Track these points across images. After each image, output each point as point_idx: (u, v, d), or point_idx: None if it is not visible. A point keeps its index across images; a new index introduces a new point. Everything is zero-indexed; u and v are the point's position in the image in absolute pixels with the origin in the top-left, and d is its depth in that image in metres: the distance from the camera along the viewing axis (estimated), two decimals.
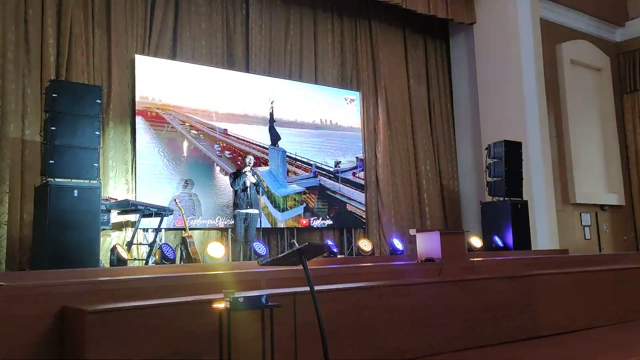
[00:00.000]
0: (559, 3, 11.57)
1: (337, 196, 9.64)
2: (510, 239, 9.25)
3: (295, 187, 9.20)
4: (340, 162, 9.86)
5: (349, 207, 9.76)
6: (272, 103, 9.06)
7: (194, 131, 8.36)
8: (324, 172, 9.61)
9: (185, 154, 8.26)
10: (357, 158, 10.12)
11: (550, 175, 10.64)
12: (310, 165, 9.47)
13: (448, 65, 11.76)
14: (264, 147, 8.98)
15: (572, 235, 11.10)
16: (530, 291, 6.25)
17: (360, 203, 9.90)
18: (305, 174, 9.40)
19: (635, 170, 12.49)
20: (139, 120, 7.87)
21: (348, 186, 9.84)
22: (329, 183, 9.61)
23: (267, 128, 9.09)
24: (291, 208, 9.03)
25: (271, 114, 9.09)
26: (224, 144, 8.61)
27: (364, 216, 9.92)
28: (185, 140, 8.27)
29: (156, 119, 8.02)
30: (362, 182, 10.06)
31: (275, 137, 9.09)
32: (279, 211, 8.89)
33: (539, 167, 10.37)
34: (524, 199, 9.69)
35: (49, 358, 4.00)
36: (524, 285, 6.23)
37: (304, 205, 9.24)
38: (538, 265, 7.39)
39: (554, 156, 11.05)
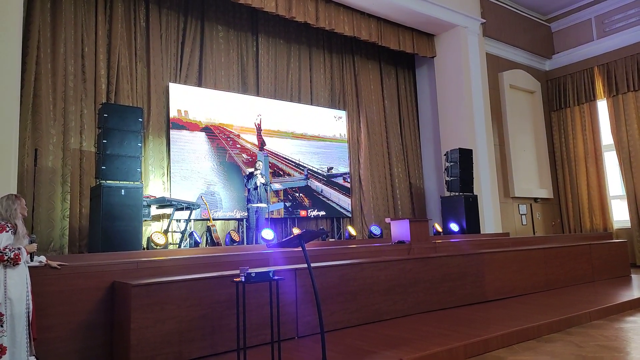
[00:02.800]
0: (501, 40, 11.61)
1: (323, 194, 9.54)
2: (464, 225, 9.30)
3: (278, 186, 8.93)
4: (332, 167, 9.83)
5: (338, 202, 9.71)
6: (259, 116, 8.87)
7: (227, 141, 8.36)
8: (319, 177, 9.54)
9: (226, 159, 8.30)
10: (349, 164, 10.04)
11: (495, 175, 10.70)
12: (303, 169, 9.34)
13: (414, 89, 11.77)
14: (256, 151, 8.83)
15: (512, 222, 11.15)
16: (479, 265, 6.30)
17: (347, 198, 9.86)
18: (300, 176, 9.28)
19: (561, 170, 12.55)
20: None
21: (336, 189, 9.73)
22: (316, 185, 9.52)
23: (270, 137, 9.00)
24: (273, 203, 8.76)
25: (258, 125, 8.87)
26: (247, 152, 8.59)
27: (350, 208, 9.92)
28: (227, 152, 8.33)
29: (200, 130, 8.01)
30: (349, 184, 10.04)
31: (262, 143, 8.92)
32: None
33: (485, 169, 10.42)
34: (474, 193, 9.74)
35: (103, 320, 4.02)
36: (475, 260, 6.28)
37: (292, 202, 9.00)
38: (485, 245, 7.45)
39: (497, 160, 11.10)
